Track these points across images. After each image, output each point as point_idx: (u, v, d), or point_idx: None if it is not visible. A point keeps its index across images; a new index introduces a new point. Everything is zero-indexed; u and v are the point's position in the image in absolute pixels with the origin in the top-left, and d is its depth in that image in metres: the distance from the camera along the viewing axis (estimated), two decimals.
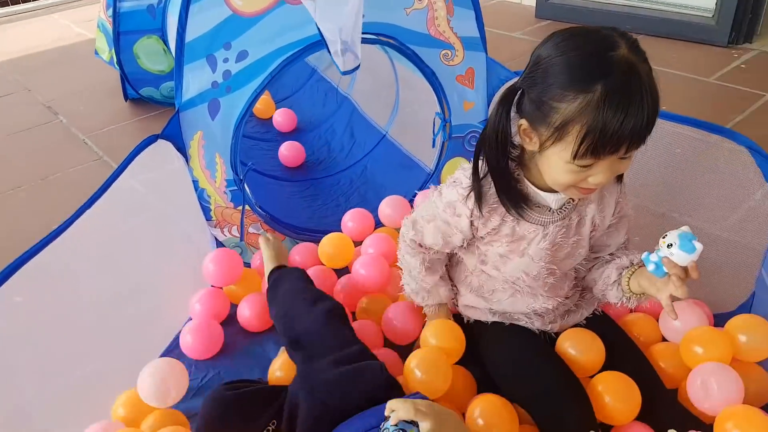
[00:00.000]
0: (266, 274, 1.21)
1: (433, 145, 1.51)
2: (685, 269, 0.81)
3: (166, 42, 2.18)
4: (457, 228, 0.96)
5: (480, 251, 0.99)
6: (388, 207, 1.45)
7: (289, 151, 1.81)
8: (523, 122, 0.85)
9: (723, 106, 2.05)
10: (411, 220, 1.05)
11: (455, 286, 1.10)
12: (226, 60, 1.19)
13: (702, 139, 1.27)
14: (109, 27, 2.13)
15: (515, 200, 0.90)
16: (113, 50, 2.14)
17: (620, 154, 0.79)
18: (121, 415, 0.99)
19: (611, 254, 1.01)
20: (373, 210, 1.49)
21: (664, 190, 1.34)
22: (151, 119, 2.22)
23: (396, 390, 0.91)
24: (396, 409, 0.73)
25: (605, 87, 0.75)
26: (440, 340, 1.02)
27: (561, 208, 0.93)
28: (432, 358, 0.97)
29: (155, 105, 2.27)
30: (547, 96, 0.79)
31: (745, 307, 1.14)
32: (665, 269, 0.81)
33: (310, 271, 1.23)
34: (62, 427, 0.97)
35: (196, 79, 1.19)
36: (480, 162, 0.91)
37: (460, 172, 0.96)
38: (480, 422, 0.90)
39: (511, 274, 0.98)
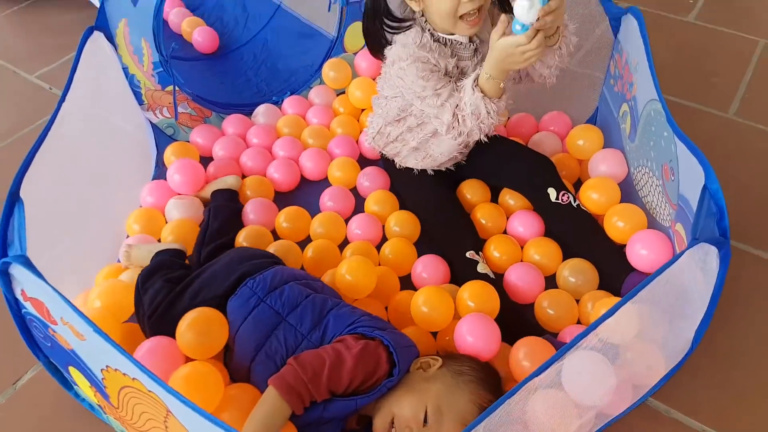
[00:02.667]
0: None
1: (329, 9, 1.67)
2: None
3: None
4: (433, 63, 1.15)
5: None
6: (363, 61, 1.66)
7: (203, 38, 1.86)
8: None
9: None
10: (429, 105, 1.16)
11: (396, 147, 1.33)
12: None
13: None
14: None
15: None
16: None
17: None
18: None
19: None
20: (286, 77, 1.67)
21: None
22: (24, 10, 2.14)
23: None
24: None
25: None
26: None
27: (471, 42, 1.19)
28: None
29: None
30: None
31: (592, 119, 1.52)
32: (525, 22, 0.97)
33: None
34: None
35: None
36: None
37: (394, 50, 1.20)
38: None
39: None
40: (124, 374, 0.74)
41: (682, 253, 0.87)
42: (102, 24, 1.28)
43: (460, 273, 1.19)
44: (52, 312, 0.82)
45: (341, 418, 0.91)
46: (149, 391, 0.72)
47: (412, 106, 1.22)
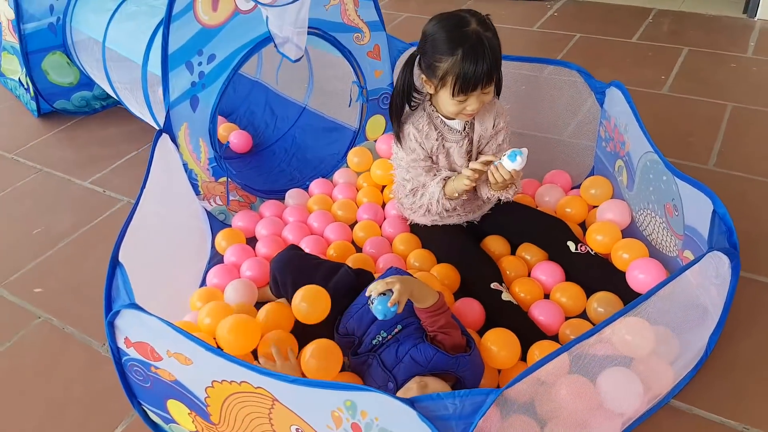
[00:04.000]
0: None
1: (350, 105, 1.92)
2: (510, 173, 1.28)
3: (69, 56, 2.34)
4: (420, 153, 1.41)
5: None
6: (384, 144, 1.89)
7: (238, 139, 2.10)
8: (423, 76, 1.36)
9: (547, 47, 2.67)
10: (401, 182, 1.50)
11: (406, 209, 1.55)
12: (200, 63, 1.50)
13: (537, 75, 1.80)
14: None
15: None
16: (24, 70, 2.28)
17: (480, 90, 1.29)
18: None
19: None
20: (316, 164, 1.90)
21: (519, 115, 1.75)
22: (70, 128, 2.38)
23: (366, 275, 1.33)
24: (373, 288, 1.08)
25: (463, 51, 1.25)
26: None
27: (464, 129, 1.43)
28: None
29: (68, 116, 2.43)
30: (432, 59, 1.30)
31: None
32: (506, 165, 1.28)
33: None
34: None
35: (179, 83, 1.49)
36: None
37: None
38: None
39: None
40: (231, 382, 0.88)
41: (701, 256, 1.04)
42: (168, 127, 1.51)
43: (486, 303, 1.35)
44: (157, 349, 0.97)
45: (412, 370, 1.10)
46: (257, 387, 0.86)
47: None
